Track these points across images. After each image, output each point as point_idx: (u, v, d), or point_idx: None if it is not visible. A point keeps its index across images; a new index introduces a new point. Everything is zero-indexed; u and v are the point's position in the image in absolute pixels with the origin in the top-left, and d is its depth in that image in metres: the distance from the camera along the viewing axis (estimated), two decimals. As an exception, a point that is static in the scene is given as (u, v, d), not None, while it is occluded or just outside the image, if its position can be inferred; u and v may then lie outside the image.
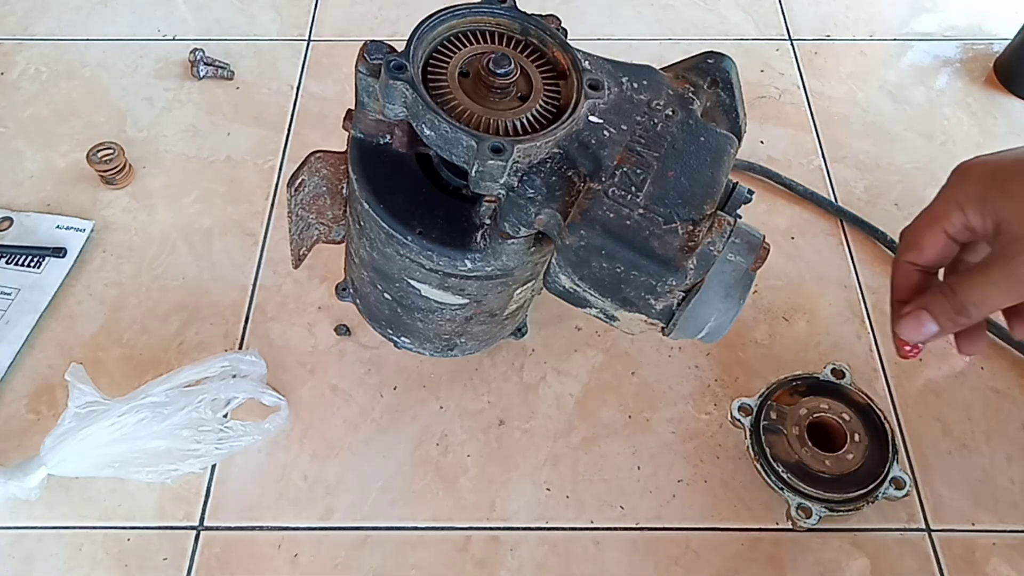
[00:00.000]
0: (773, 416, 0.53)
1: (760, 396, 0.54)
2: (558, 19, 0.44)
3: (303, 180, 0.46)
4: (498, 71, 0.40)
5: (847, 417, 0.53)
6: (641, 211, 0.38)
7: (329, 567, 0.51)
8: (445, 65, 0.41)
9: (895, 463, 0.51)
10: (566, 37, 0.43)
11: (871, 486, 0.50)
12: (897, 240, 0.65)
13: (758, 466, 0.52)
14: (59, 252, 0.62)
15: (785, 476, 0.51)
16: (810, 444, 0.52)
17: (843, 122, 0.75)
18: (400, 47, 0.40)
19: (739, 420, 0.53)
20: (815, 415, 0.53)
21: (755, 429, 0.53)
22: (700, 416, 0.57)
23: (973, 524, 0.53)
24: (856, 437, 0.52)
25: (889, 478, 0.51)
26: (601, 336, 0.61)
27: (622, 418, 0.57)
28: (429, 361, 0.59)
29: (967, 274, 0.42)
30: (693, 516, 0.53)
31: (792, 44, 0.82)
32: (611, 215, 0.38)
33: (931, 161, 0.72)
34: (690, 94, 0.44)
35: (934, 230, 0.43)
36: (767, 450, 0.52)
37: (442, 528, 0.53)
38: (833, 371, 0.55)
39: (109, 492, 0.53)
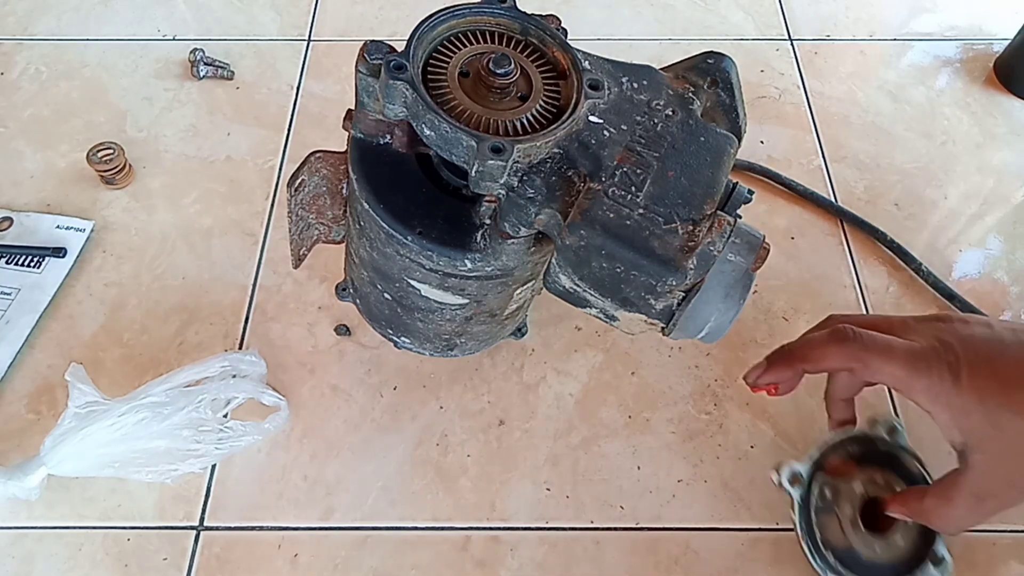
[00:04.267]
0: (828, 495, 0.49)
1: (811, 461, 0.49)
2: (558, 19, 0.44)
3: (303, 180, 0.46)
4: (498, 71, 0.40)
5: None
6: (641, 211, 0.38)
7: (329, 567, 0.51)
8: (445, 65, 0.41)
9: (940, 542, 0.48)
10: (566, 37, 0.43)
11: (914, 570, 0.48)
12: (896, 238, 0.65)
13: (804, 545, 0.48)
14: (59, 252, 0.62)
15: (833, 563, 0.48)
16: (863, 528, 0.48)
17: (843, 122, 0.75)
18: (400, 47, 0.40)
19: (788, 490, 0.49)
20: (869, 494, 0.49)
21: (805, 504, 0.49)
22: (700, 416, 0.57)
23: (973, 524, 0.53)
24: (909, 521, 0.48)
25: (931, 556, 0.48)
26: (601, 336, 0.61)
27: (622, 418, 0.57)
28: (429, 361, 0.59)
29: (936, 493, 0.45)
30: (693, 516, 0.53)
31: (792, 44, 0.82)
32: (611, 215, 0.38)
33: (931, 161, 0.72)
34: (690, 94, 0.44)
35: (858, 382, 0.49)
36: (817, 533, 0.48)
37: (442, 528, 0.53)
38: (889, 429, 0.51)
39: (109, 492, 0.53)
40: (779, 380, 0.48)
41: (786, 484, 0.49)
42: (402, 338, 0.53)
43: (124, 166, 0.67)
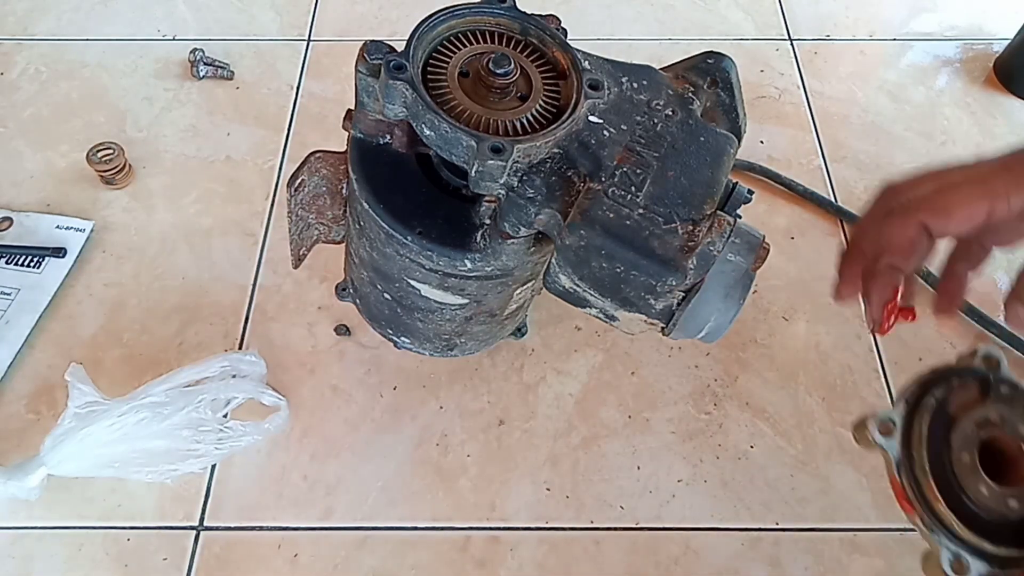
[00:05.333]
0: (935, 442, 0.37)
1: (905, 404, 0.38)
2: (558, 19, 0.44)
3: (303, 180, 0.46)
4: (498, 71, 0.40)
5: None
6: (641, 211, 0.38)
7: (329, 567, 0.51)
8: (445, 65, 0.41)
9: None
10: (566, 37, 0.43)
11: None
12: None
13: (916, 509, 0.36)
14: (59, 252, 0.62)
15: (951, 524, 0.36)
16: (987, 479, 0.36)
17: (843, 122, 0.75)
18: (400, 47, 0.40)
19: (881, 444, 0.37)
20: (985, 431, 0.37)
21: (906, 452, 0.37)
22: (700, 416, 0.57)
23: (973, 524, 0.53)
24: None
25: None
26: (601, 336, 0.61)
27: (622, 418, 0.57)
28: (429, 361, 0.59)
29: None
30: (693, 516, 0.53)
31: (792, 44, 0.82)
32: (611, 215, 0.38)
33: (931, 161, 0.71)
34: (690, 94, 0.44)
35: (981, 203, 0.36)
36: (930, 485, 0.36)
37: (442, 528, 0.53)
38: (986, 359, 0.39)
39: (109, 492, 0.53)
40: (903, 254, 0.37)
41: (877, 437, 0.37)
42: (402, 338, 0.53)
43: (124, 166, 0.67)
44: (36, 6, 0.82)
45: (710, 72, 0.46)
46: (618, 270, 0.38)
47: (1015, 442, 0.37)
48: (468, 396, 0.58)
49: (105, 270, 0.63)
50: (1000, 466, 0.37)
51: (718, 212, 0.39)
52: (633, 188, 0.39)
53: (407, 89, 0.38)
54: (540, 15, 0.43)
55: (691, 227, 0.38)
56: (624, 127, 0.41)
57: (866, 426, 0.38)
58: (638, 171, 0.40)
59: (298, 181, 0.46)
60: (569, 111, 0.40)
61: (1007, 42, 0.79)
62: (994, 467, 0.37)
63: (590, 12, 0.84)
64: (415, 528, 0.52)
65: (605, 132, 0.41)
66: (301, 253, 0.51)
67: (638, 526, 0.53)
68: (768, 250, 0.40)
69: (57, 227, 0.64)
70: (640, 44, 0.81)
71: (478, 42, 0.43)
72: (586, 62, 0.43)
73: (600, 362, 0.60)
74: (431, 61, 0.41)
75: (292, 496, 0.53)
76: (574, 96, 0.41)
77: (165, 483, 0.52)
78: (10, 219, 0.65)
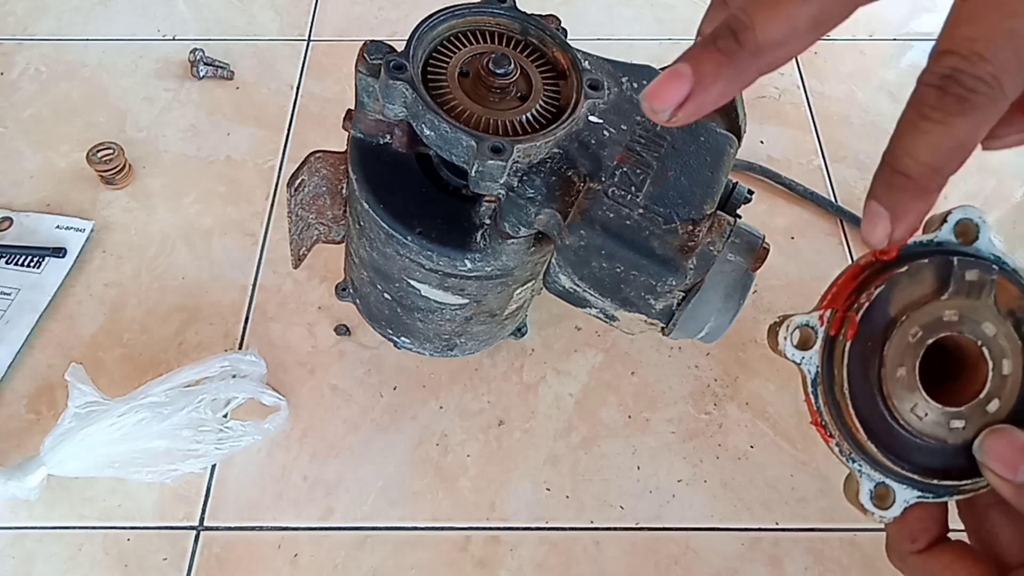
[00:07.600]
0: (866, 344, 0.28)
1: (828, 309, 0.29)
2: (558, 19, 0.44)
3: (303, 180, 0.46)
4: (498, 71, 0.40)
5: (990, 331, 0.28)
6: (641, 211, 0.38)
7: (329, 567, 0.51)
8: (445, 65, 0.41)
9: None
10: (566, 37, 0.43)
11: None
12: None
13: (827, 427, 0.29)
14: (59, 252, 0.62)
15: (873, 454, 0.29)
16: (925, 395, 0.28)
17: (843, 122, 0.75)
18: (400, 47, 0.40)
19: (794, 357, 0.29)
20: (934, 335, 0.28)
21: (827, 368, 0.29)
22: (700, 416, 0.57)
23: (973, 524, 0.53)
24: (1005, 367, 0.28)
25: None
26: (601, 336, 0.61)
27: (622, 418, 0.57)
28: (429, 361, 0.59)
29: None
30: (693, 516, 0.53)
31: (792, 44, 0.81)
32: (611, 215, 0.38)
33: (931, 161, 0.72)
34: (690, 94, 0.44)
35: None
36: (849, 406, 0.28)
37: (442, 528, 0.53)
38: (961, 228, 0.30)
39: (109, 492, 0.53)
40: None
41: (789, 350, 0.29)
42: (402, 338, 0.53)
43: (124, 166, 0.67)
44: (36, 6, 0.82)
45: (710, 72, 0.46)
46: (618, 270, 0.38)
47: (975, 345, 0.28)
48: (468, 396, 0.58)
49: (105, 270, 0.63)
50: (953, 374, 0.29)
51: (718, 212, 0.39)
52: (633, 188, 0.39)
53: (407, 89, 0.38)
54: (540, 15, 0.43)
55: (691, 227, 0.38)
56: (624, 127, 0.41)
57: (777, 333, 0.29)
58: (638, 171, 0.40)
59: (298, 181, 0.46)
60: (569, 111, 0.40)
61: (1007, 42, 0.79)
62: (945, 374, 0.29)
63: (590, 12, 0.84)
64: (415, 528, 0.53)
65: (605, 132, 0.41)
66: (301, 253, 0.51)
67: (638, 526, 0.53)
68: (768, 250, 0.40)
69: (57, 227, 0.64)
70: (640, 44, 0.81)
71: (478, 42, 0.43)
72: (586, 62, 0.43)
73: (600, 362, 0.60)
74: (431, 61, 0.41)
75: (292, 496, 0.53)
76: (574, 96, 0.41)
77: (165, 483, 0.52)
78: (10, 219, 0.65)
